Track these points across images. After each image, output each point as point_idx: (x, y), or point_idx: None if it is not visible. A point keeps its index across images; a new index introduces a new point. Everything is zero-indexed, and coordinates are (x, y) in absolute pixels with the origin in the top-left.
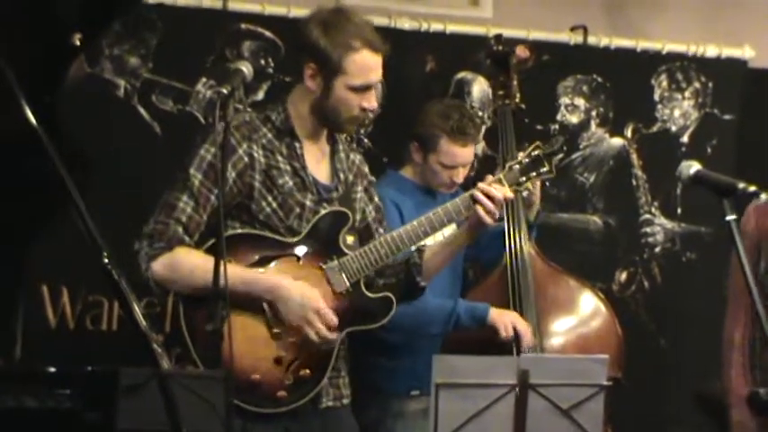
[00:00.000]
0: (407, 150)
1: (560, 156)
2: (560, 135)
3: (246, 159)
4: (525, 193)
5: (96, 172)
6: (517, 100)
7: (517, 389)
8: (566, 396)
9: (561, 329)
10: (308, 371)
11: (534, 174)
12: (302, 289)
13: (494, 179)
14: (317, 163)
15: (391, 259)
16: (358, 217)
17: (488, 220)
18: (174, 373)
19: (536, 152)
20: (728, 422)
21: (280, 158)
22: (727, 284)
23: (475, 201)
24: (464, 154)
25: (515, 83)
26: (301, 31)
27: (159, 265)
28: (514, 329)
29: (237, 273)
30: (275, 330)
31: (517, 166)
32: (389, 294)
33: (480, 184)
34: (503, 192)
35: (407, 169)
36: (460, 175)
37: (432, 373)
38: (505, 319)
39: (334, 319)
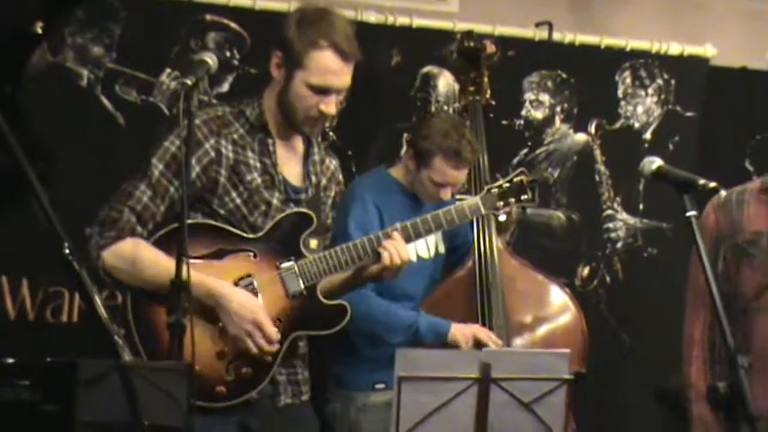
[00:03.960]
0: (401, 150)
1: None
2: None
3: (213, 154)
4: (502, 218)
5: (58, 162)
6: (488, 96)
7: (479, 382)
8: (528, 390)
9: (528, 324)
10: (249, 370)
11: (513, 200)
12: (242, 299)
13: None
14: (288, 162)
15: (352, 267)
16: (329, 221)
17: (387, 262)
18: (134, 364)
19: (519, 178)
20: (689, 417)
21: (250, 154)
22: (688, 281)
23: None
24: (455, 175)
25: (486, 79)
26: (286, 18)
27: (109, 254)
28: (478, 341)
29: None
30: (220, 324)
31: (496, 190)
32: (344, 303)
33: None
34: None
35: (397, 170)
36: (448, 194)
37: (395, 367)
38: (466, 332)
39: (273, 333)
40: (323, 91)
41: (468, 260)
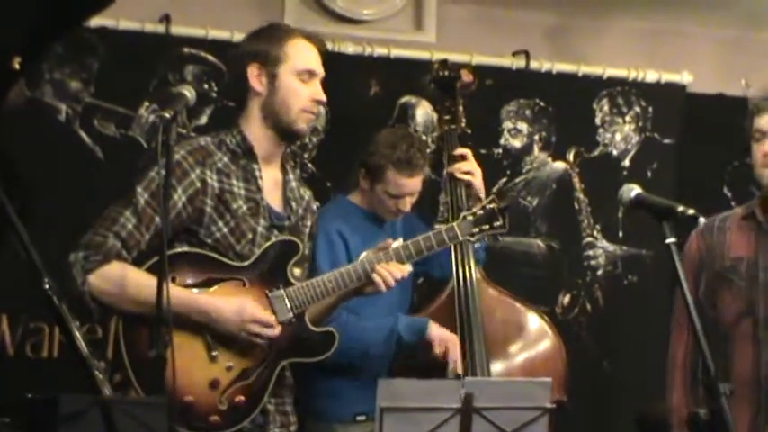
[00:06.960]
0: (356, 175)
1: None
2: (510, 190)
3: (198, 184)
4: (477, 245)
5: (38, 197)
6: (463, 125)
7: (461, 412)
8: (510, 419)
9: (508, 353)
10: (242, 398)
11: (487, 227)
12: (233, 304)
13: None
14: (271, 189)
15: (339, 293)
16: (306, 252)
17: (382, 288)
18: (115, 399)
19: (491, 206)
20: None
21: (234, 182)
22: (674, 306)
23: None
24: (410, 184)
25: (461, 108)
26: (238, 49)
27: (96, 278)
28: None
29: (173, 294)
30: (213, 353)
31: (471, 218)
32: (332, 330)
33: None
34: (401, 271)
35: (355, 195)
36: (407, 204)
37: (376, 398)
38: (443, 337)
39: (271, 319)
40: (310, 75)
41: (447, 289)
